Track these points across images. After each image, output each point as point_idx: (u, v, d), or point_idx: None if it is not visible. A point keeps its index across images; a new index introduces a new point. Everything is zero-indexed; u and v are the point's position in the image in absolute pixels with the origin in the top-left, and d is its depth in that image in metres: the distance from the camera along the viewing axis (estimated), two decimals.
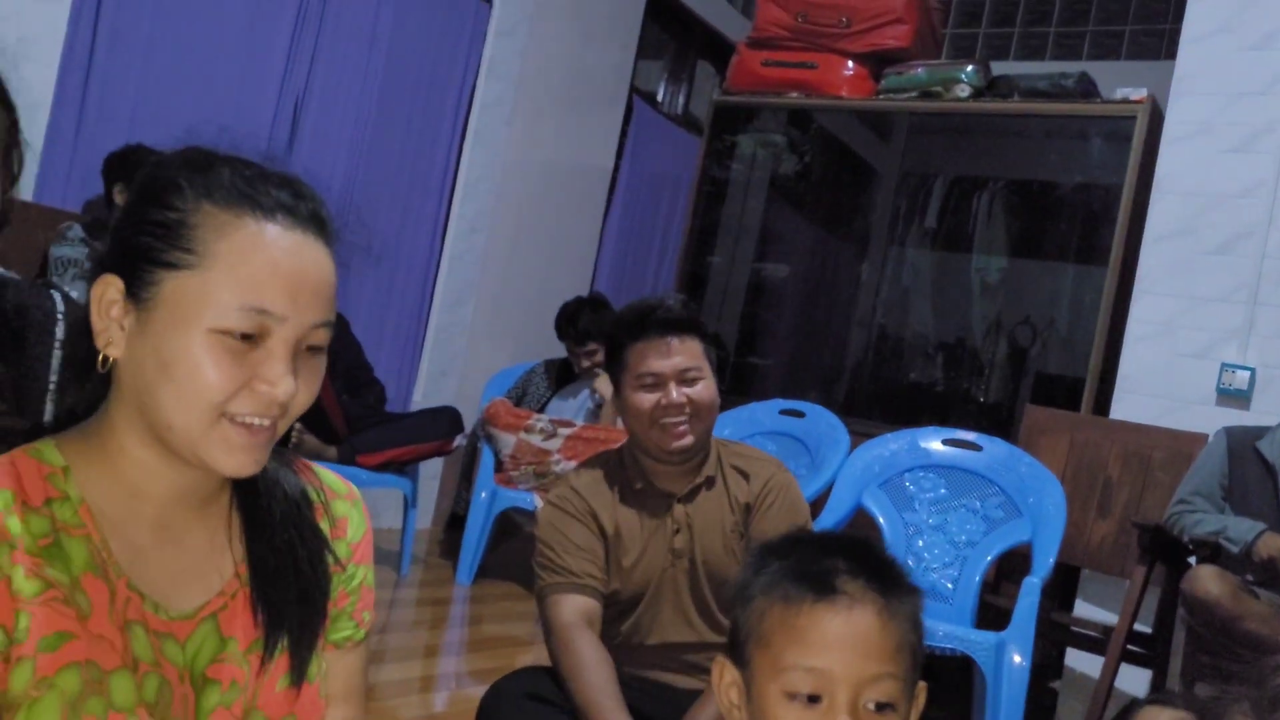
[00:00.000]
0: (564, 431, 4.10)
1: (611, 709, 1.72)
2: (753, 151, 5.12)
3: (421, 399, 4.74)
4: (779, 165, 5.10)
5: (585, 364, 4.31)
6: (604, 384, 4.29)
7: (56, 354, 2.94)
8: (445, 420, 4.01)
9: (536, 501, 3.99)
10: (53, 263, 3.25)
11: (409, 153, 4.68)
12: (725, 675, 1.06)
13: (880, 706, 0.97)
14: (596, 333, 4.28)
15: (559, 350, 4.48)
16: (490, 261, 5.10)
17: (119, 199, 3.42)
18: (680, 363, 1.96)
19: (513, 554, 4.39)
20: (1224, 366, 3.69)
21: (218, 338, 0.87)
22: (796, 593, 1.00)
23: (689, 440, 1.95)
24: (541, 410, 4.34)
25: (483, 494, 4.06)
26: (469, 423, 4.20)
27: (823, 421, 3.66)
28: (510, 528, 4.33)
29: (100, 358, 0.92)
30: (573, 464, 4.03)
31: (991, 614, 3.19)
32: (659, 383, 1.95)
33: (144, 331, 0.89)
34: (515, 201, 5.19)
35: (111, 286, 0.90)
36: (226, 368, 0.87)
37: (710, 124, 5.06)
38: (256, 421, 0.90)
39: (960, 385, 4.67)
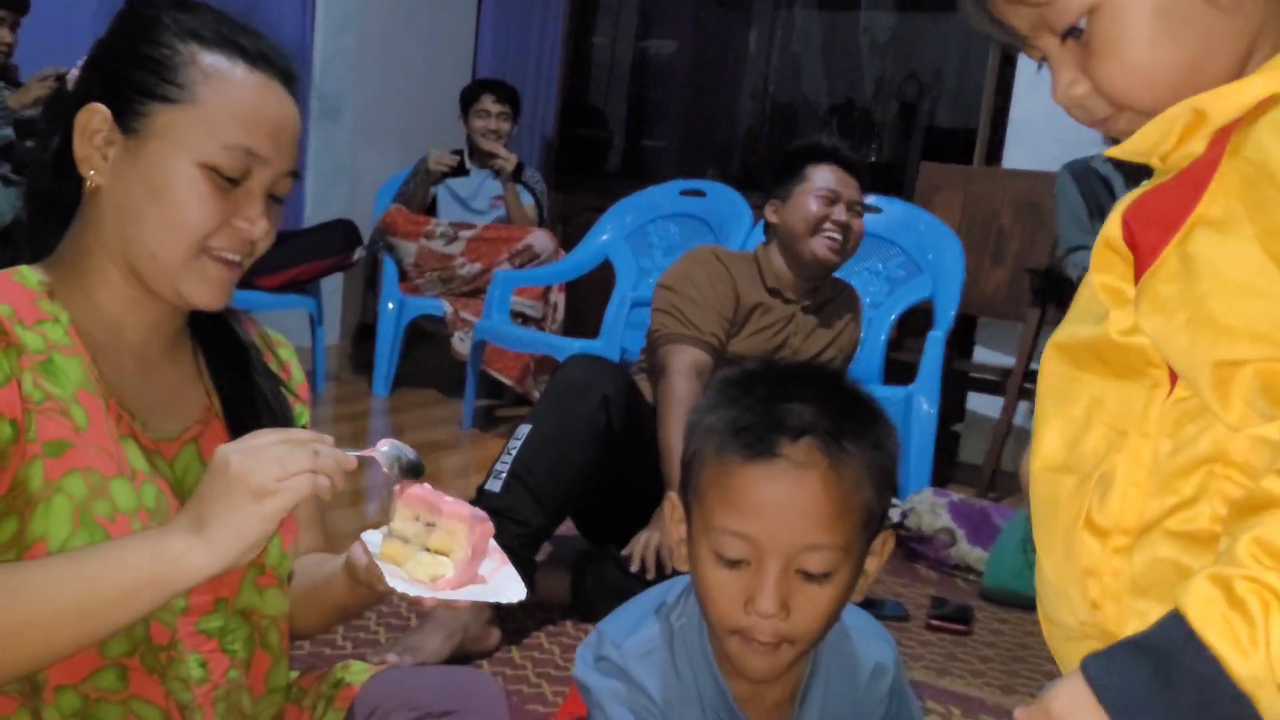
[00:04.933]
0: (465, 234, 4.02)
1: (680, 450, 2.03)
2: None
3: (312, 215, 4.58)
4: None
5: (485, 127, 4.18)
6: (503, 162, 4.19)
7: None
8: (340, 234, 3.90)
9: (446, 308, 3.96)
10: None
11: None
12: (675, 511, 1.01)
13: (813, 576, 0.90)
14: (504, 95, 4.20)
15: (447, 148, 4.33)
16: (364, 62, 4.84)
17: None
18: (854, 194, 2.29)
19: (427, 361, 4.38)
20: None
21: (206, 173, 0.92)
22: (730, 449, 0.91)
23: (836, 259, 2.27)
24: (433, 206, 4.21)
25: (389, 305, 4.01)
26: (365, 234, 4.09)
27: (723, 199, 3.66)
28: (420, 335, 4.30)
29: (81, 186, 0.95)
30: (478, 266, 3.98)
31: (896, 369, 3.32)
32: (834, 199, 2.25)
33: (133, 161, 0.93)
34: None
35: (97, 115, 0.93)
36: (211, 204, 0.92)
37: None
38: (231, 257, 0.95)
39: (855, 148, 4.69)
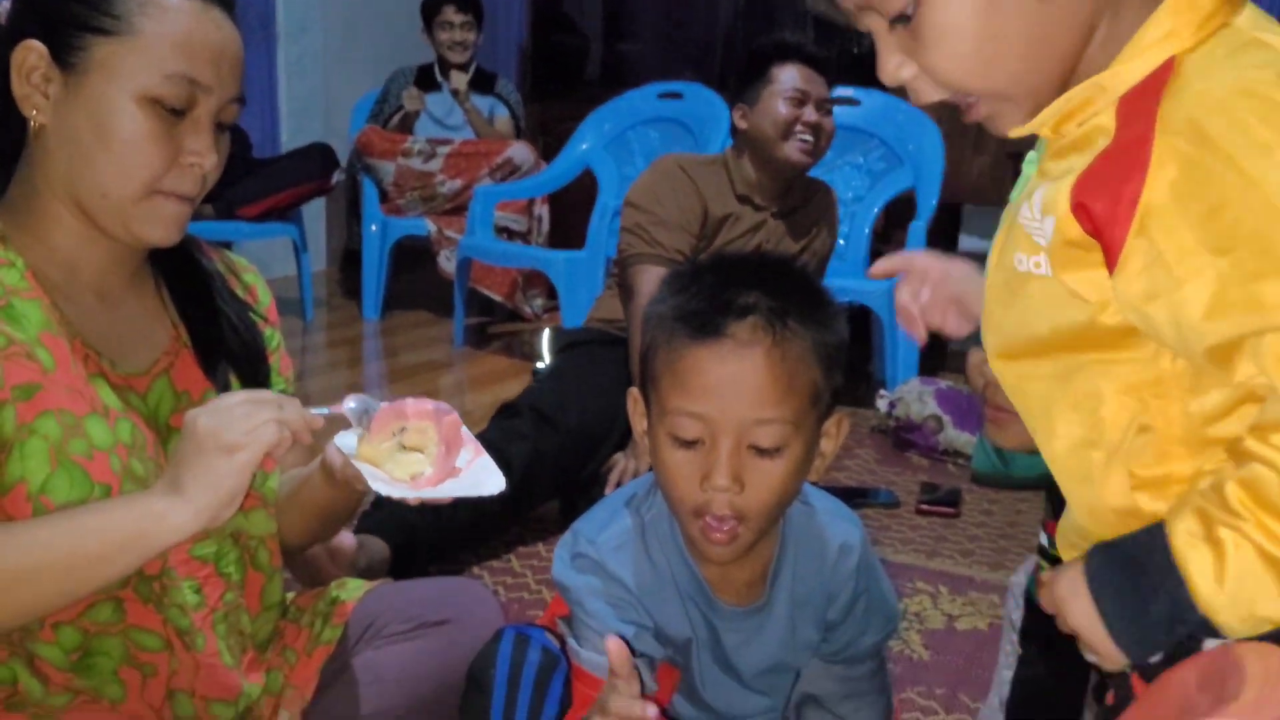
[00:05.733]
0: (443, 150, 3.98)
1: None
2: None
3: (289, 140, 4.53)
4: None
5: (450, 40, 4.10)
6: (457, 78, 4.12)
7: None
8: (318, 158, 3.86)
9: (429, 227, 3.94)
10: None
11: None
12: (636, 406, 1.04)
13: (764, 451, 0.94)
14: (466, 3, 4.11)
15: (418, 63, 4.26)
16: None
17: None
18: (822, 92, 2.25)
19: (416, 282, 4.38)
20: None
21: (151, 108, 0.92)
22: (679, 333, 0.95)
23: (809, 160, 2.26)
24: (410, 122, 4.15)
25: (373, 227, 3.99)
26: (343, 157, 4.06)
27: (701, 100, 3.62)
28: (408, 256, 4.29)
29: (26, 126, 0.93)
30: (459, 182, 3.95)
31: None
32: (803, 100, 2.21)
33: (75, 98, 0.92)
34: None
35: (33, 52, 0.92)
36: (160, 143, 0.93)
37: None
38: (183, 193, 0.96)
39: (834, 41, 4.61)
